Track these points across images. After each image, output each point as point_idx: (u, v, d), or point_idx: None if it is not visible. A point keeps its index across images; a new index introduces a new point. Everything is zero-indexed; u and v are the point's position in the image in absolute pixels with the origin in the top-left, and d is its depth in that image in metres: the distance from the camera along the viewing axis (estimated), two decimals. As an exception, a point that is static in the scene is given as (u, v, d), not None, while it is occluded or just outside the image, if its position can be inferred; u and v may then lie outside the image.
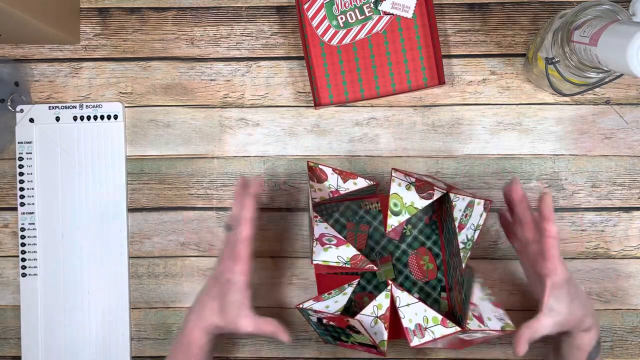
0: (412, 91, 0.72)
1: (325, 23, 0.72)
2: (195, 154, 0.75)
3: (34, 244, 0.74)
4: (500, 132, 0.73)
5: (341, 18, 0.72)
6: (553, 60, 0.60)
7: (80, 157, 0.75)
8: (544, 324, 0.60)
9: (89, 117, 0.74)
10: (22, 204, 0.74)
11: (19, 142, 0.75)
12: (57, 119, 0.74)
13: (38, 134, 0.75)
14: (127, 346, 0.74)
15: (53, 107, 0.74)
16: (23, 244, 0.74)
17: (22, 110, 0.74)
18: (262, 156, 0.74)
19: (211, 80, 0.75)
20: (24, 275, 0.74)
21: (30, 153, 0.75)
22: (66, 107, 0.74)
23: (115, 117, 0.74)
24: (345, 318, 0.61)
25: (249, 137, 0.75)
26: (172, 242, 0.75)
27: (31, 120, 0.74)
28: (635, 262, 0.73)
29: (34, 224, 0.74)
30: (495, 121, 0.73)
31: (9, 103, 0.74)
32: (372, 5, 0.71)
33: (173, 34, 0.75)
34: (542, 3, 0.73)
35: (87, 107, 0.75)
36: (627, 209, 0.73)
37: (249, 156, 0.75)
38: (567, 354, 0.63)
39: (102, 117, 0.74)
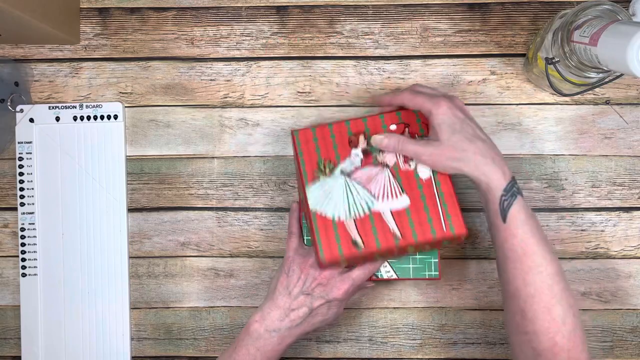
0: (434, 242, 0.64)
1: None
2: (195, 154, 0.75)
3: (34, 244, 0.74)
4: (500, 132, 0.73)
5: None
6: (553, 60, 0.60)
7: (80, 157, 0.75)
8: (421, 147, 0.60)
9: (89, 117, 0.74)
10: (22, 204, 0.74)
11: (19, 142, 0.75)
12: (57, 119, 0.74)
13: (38, 134, 0.75)
14: (127, 346, 0.74)
15: (53, 107, 0.74)
16: (23, 244, 0.74)
17: (22, 110, 0.74)
18: (262, 156, 0.74)
19: (211, 80, 0.75)
20: (24, 275, 0.74)
21: (30, 153, 0.74)
22: (66, 107, 0.74)
23: (115, 117, 0.74)
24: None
25: (249, 137, 0.75)
26: (172, 242, 0.75)
27: (31, 120, 0.74)
28: (635, 262, 0.73)
29: (34, 224, 0.74)
30: (495, 121, 0.73)
31: (9, 103, 0.74)
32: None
33: (173, 34, 0.75)
34: (542, 3, 0.73)
35: (87, 107, 0.75)
36: (627, 209, 0.73)
37: (249, 156, 0.75)
38: (487, 214, 0.60)
39: (102, 117, 0.74)
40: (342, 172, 0.64)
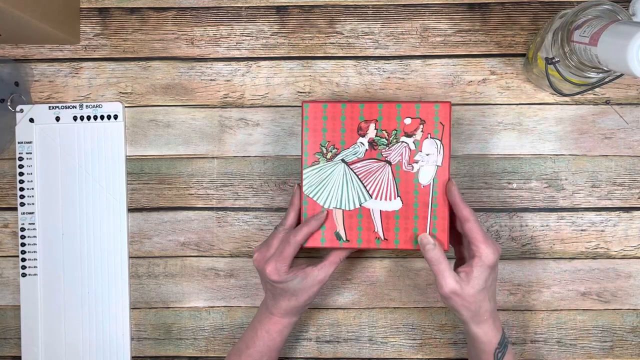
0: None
1: None
2: (195, 154, 0.75)
3: (34, 244, 0.74)
4: (500, 132, 0.73)
5: None
6: (553, 60, 0.60)
7: (80, 157, 0.75)
8: (449, 280, 0.58)
9: (89, 117, 0.74)
10: (22, 204, 0.74)
11: (19, 142, 0.75)
12: (57, 119, 0.74)
13: (38, 134, 0.75)
14: (127, 346, 0.74)
15: (53, 107, 0.74)
16: (23, 244, 0.74)
17: (22, 110, 0.74)
18: (262, 156, 0.74)
19: (211, 80, 0.75)
20: (24, 275, 0.74)
21: (30, 153, 0.75)
22: (66, 107, 0.74)
23: (115, 117, 0.74)
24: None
25: (249, 137, 0.75)
26: (172, 242, 0.75)
27: (31, 120, 0.74)
28: (635, 262, 0.73)
29: (34, 224, 0.74)
30: (495, 121, 0.73)
31: (9, 103, 0.74)
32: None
33: (173, 34, 0.75)
34: (542, 3, 0.73)
35: (87, 107, 0.75)
36: (627, 209, 0.73)
37: (249, 156, 0.75)
38: None
39: (102, 117, 0.74)
40: (343, 160, 0.64)
